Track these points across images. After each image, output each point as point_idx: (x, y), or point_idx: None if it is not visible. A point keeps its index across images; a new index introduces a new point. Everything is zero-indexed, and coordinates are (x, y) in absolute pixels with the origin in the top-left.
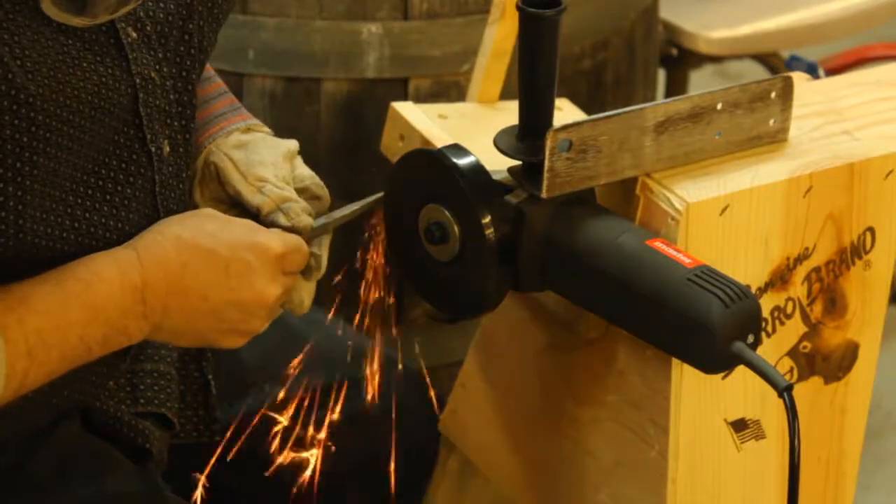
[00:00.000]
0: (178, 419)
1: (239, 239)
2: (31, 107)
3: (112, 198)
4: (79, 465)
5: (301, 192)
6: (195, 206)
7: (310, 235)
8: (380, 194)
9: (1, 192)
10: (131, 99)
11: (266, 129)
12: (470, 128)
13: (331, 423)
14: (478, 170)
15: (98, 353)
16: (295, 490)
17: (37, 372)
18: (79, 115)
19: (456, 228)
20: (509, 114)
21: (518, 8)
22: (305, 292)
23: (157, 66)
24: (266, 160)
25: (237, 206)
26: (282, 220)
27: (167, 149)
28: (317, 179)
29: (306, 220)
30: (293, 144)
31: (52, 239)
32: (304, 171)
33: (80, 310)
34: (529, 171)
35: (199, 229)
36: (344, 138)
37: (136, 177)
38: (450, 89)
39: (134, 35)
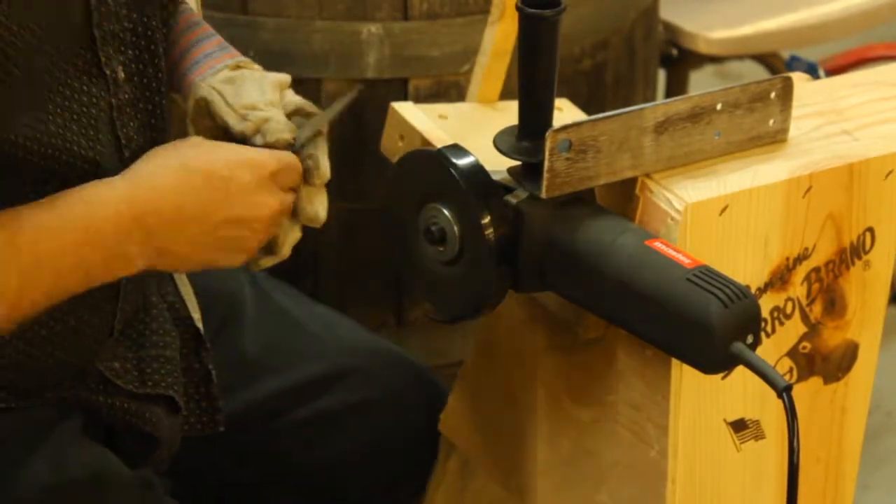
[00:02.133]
0: (183, 403)
1: (234, 158)
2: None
3: (79, 118)
4: (74, 465)
5: (293, 113)
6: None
7: (299, 144)
8: (354, 94)
9: None
10: (84, 17)
11: (256, 66)
12: (470, 128)
13: (331, 414)
14: (478, 170)
15: (99, 278)
16: (297, 482)
17: (32, 292)
18: (40, 27)
19: (456, 228)
20: (509, 114)
21: (518, 8)
22: (318, 203)
23: None
24: (253, 90)
25: (228, 138)
26: (258, 141)
27: (122, 75)
28: (308, 102)
29: (282, 136)
30: (285, 77)
31: (29, 150)
32: (294, 98)
33: (77, 231)
34: (529, 172)
35: (194, 154)
36: (344, 138)
37: (98, 99)
38: (450, 89)
39: None
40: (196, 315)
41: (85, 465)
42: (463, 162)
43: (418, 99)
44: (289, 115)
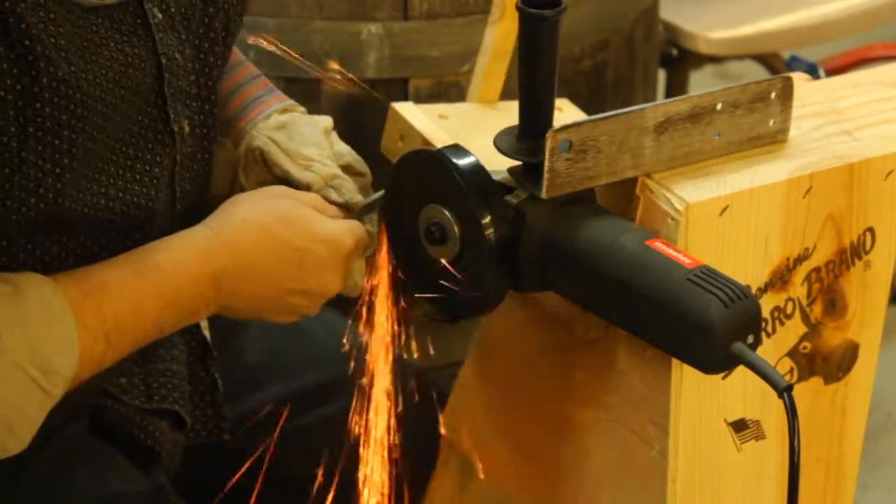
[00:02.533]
0: (189, 418)
1: (316, 230)
2: (67, 84)
3: (141, 177)
4: (82, 465)
5: (343, 168)
6: (218, 190)
7: (361, 213)
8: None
9: (41, 168)
10: (155, 79)
11: (300, 108)
12: (470, 128)
13: (334, 421)
14: (478, 170)
15: (168, 332)
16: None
17: (112, 355)
18: (109, 94)
19: (456, 228)
20: (509, 114)
21: (518, 8)
22: (357, 273)
23: (181, 48)
24: (307, 139)
25: (286, 185)
26: (333, 195)
27: (187, 129)
28: (356, 155)
29: (357, 197)
30: (328, 121)
31: (87, 216)
32: (342, 147)
33: (157, 297)
34: (529, 172)
35: (278, 216)
36: (344, 138)
37: (163, 156)
38: (450, 89)
39: (160, 16)
40: (203, 323)
41: (93, 467)
42: (463, 162)
43: (418, 99)
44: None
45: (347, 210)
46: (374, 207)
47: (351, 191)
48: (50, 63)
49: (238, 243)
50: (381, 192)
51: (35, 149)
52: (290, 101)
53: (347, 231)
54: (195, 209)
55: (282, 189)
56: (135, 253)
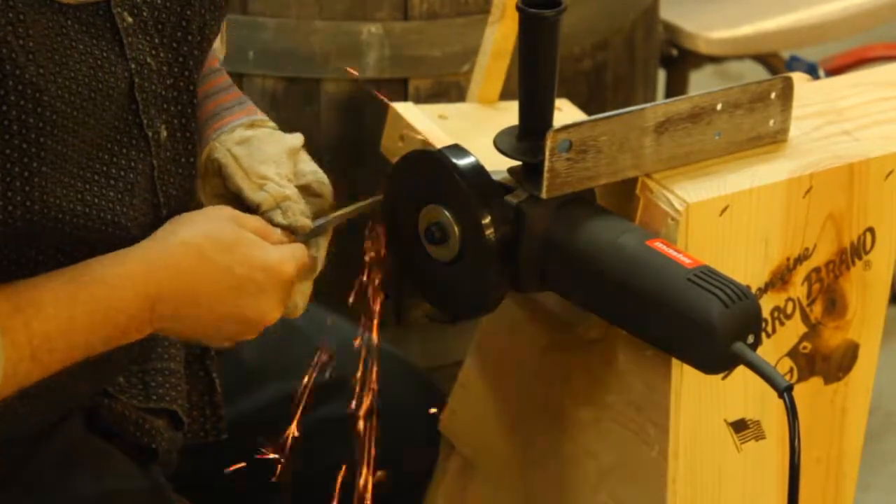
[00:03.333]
0: (186, 417)
1: (255, 257)
2: (35, 87)
3: (116, 182)
4: (81, 464)
5: (302, 189)
6: (196, 197)
7: (307, 237)
8: (378, 197)
9: (8, 172)
10: (127, 83)
11: (271, 123)
12: (470, 128)
13: (330, 422)
14: (478, 170)
15: (98, 352)
16: (296, 490)
17: (39, 373)
18: (78, 97)
19: (456, 229)
20: (509, 114)
21: (518, 8)
22: (300, 295)
23: (154, 52)
24: (268, 157)
25: (238, 202)
26: (279, 217)
27: (164, 134)
28: (320, 175)
29: (304, 222)
30: (297, 139)
31: (61, 222)
32: (307, 167)
33: (89, 315)
34: (529, 172)
35: (218, 240)
36: (344, 139)
37: (137, 161)
38: (450, 89)
39: (130, 20)
40: None
41: (91, 463)
42: (463, 162)
43: (418, 99)
44: (299, 189)
45: (293, 233)
46: (320, 231)
47: (297, 214)
48: (16, 66)
49: (176, 266)
50: (328, 218)
51: (1, 151)
52: (259, 116)
53: (288, 257)
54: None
55: (226, 211)
56: (70, 269)
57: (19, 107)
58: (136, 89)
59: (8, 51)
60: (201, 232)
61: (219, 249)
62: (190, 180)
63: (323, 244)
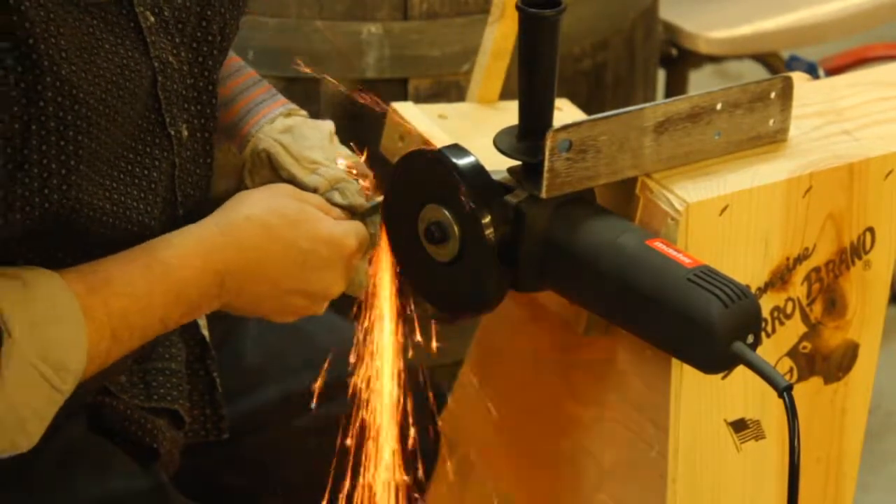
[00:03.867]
0: (187, 417)
1: (319, 231)
2: (70, 84)
3: (140, 181)
4: (84, 464)
5: (346, 172)
6: (220, 193)
7: (365, 215)
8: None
9: (45, 168)
10: (150, 82)
11: (302, 112)
12: (470, 128)
13: (331, 422)
14: (478, 170)
15: (172, 328)
16: (296, 492)
17: (119, 350)
18: (108, 95)
19: (456, 228)
20: (509, 114)
21: (518, 8)
22: (363, 273)
23: (175, 51)
24: (313, 142)
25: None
26: (337, 198)
27: (185, 133)
28: (357, 158)
29: (361, 200)
30: (330, 125)
31: (92, 220)
32: (344, 150)
33: (164, 294)
34: (529, 172)
35: (283, 215)
36: (344, 139)
37: (161, 160)
38: (450, 89)
39: (152, 19)
40: (202, 322)
41: (94, 462)
42: (463, 162)
43: (418, 99)
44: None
45: (351, 213)
46: (377, 210)
47: (354, 194)
48: (53, 62)
49: (242, 241)
50: (380, 198)
51: (39, 147)
52: (292, 105)
53: (351, 232)
54: (197, 213)
55: (287, 188)
56: (140, 248)
57: (56, 103)
58: (159, 88)
59: (45, 48)
60: (266, 207)
61: (284, 224)
62: (206, 179)
63: (378, 221)
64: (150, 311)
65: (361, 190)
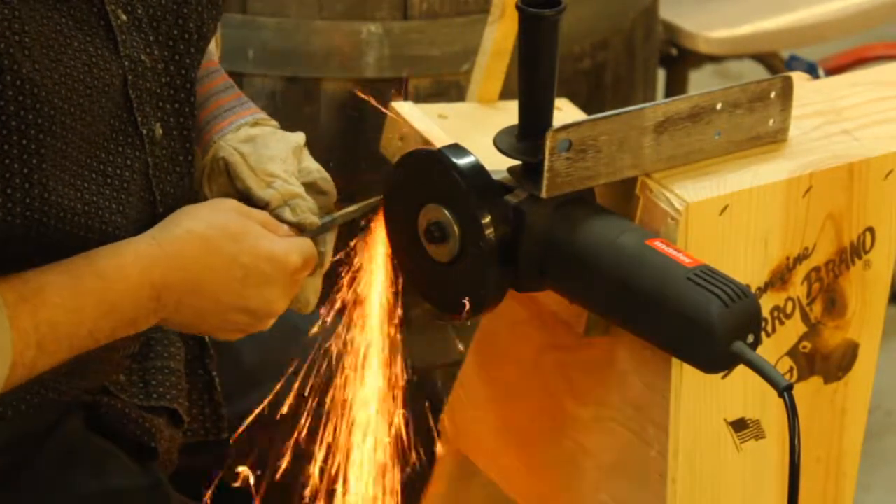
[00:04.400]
0: (186, 416)
1: (261, 248)
2: (32, 83)
3: (112, 181)
4: (82, 463)
5: (307, 186)
6: (197, 195)
7: (315, 233)
8: (381, 196)
9: (8, 169)
10: (121, 81)
11: (273, 122)
12: (470, 128)
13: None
14: (478, 170)
15: (103, 342)
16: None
17: (45, 362)
18: (75, 94)
19: (456, 228)
20: (509, 114)
21: (518, 8)
22: (311, 290)
23: (148, 50)
24: (275, 155)
25: (246, 201)
26: (287, 214)
27: (159, 132)
28: (324, 173)
29: (312, 218)
30: (300, 138)
31: (62, 221)
32: (311, 164)
33: (96, 306)
34: (529, 171)
35: (224, 230)
36: (344, 138)
37: (133, 160)
38: (450, 89)
39: (124, 17)
40: None
41: (92, 462)
42: (463, 162)
43: (418, 98)
44: (304, 186)
45: (301, 230)
46: (328, 228)
47: (305, 211)
48: (14, 61)
49: (181, 255)
50: (335, 216)
51: (1, 148)
52: (262, 115)
53: (295, 249)
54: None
55: (231, 203)
56: (76, 259)
57: (17, 102)
58: (129, 87)
59: (5, 46)
60: (206, 221)
61: (224, 238)
62: (187, 178)
63: (330, 241)
64: (80, 322)
65: (316, 208)
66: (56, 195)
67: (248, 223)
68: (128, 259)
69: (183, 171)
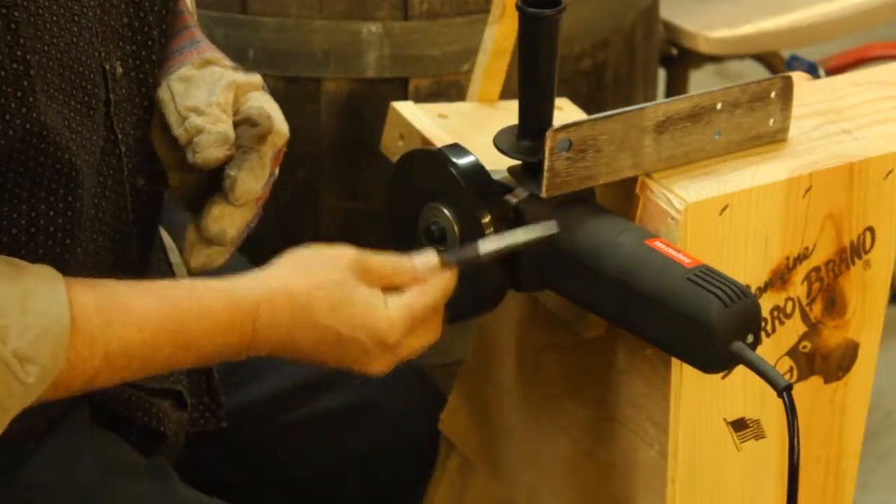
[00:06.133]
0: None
1: (365, 321)
2: (10, 9)
3: (81, 107)
4: (87, 452)
5: (245, 121)
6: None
7: (453, 265)
8: (552, 229)
9: (3, 93)
10: (94, 13)
11: (227, 62)
12: (470, 128)
13: (329, 416)
14: (478, 170)
15: (186, 367)
16: (294, 486)
17: (110, 376)
18: (54, 24)
19: (456, 228)
20: (509, 114)
21: (518, 8)
22: (228, 222)
23: None
24: (202, 90)
25: (169, 139)
26: (190, 156)
27: (120, 70)
28: (263, 109)
29: (212, 154)
30: (249, 79)
31: (59, 145)
32: (255, 102)
33: (173, 339)
34: (529, 171)
35: (326, 298)
36: (344, 138)
37: (100, 91)
38: (450, 89)
39: None
40: None
41: (97, 455)
42: (463, 161)
43: (418, 98)
44: (238, 123)
45: (203, 171)
46: (470, 259)
47: (207, 147)
48: None
49: (275, 322)
50: (492, 249)
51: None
52: (215, 55)
53: (398, 319)
54: (146, 159)
55: (346, 258)
56: (169, 287)
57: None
58: (97, 21)
59: None
60: (312, 284)
61: (325, 309)
62: (145, 122)
63: (248, 164)
64: (156, 348)
65: (226, 138)
66: (50, 119)
67: (355, 291)
68: (221, 305)
69: (139, 115)
